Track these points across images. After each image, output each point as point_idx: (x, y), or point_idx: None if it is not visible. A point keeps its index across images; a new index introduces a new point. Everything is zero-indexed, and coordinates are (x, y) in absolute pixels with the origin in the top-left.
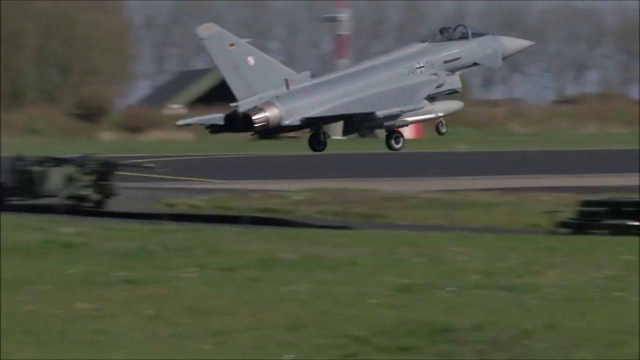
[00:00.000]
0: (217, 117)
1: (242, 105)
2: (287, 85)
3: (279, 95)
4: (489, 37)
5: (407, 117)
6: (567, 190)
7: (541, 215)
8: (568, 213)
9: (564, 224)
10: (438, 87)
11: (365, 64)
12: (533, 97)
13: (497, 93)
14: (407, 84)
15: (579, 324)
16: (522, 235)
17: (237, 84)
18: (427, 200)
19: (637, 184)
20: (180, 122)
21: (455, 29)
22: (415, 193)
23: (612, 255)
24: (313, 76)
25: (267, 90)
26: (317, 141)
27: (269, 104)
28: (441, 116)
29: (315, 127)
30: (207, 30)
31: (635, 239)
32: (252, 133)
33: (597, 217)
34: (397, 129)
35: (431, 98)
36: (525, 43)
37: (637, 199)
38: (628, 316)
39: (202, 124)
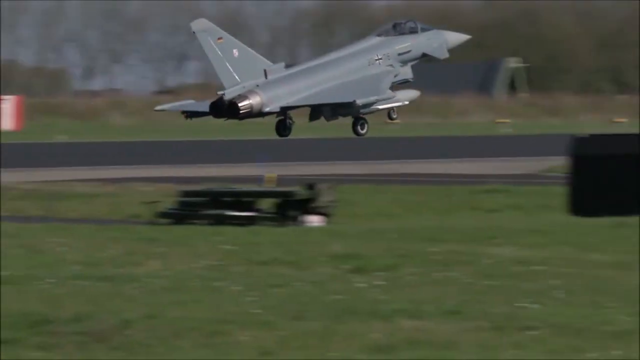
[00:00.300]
0: (197, 103)
1: (228, 93)
2: (266, 75)
3: (259, 85)
4: (434, 31)
5: (378, 105)
6: (168, 180)
7: (141, 206)
8: (168, 203)
9: (164, 214)
10: (395, 76)
11: (331, 56)
12: (134, 88)
13: (97, 84)
14: (368, 74)
15: (179, 314)
16: (123, 225)
17: (224, 74)
18: (26, 192)
19: (235, 174)
20: (158, 108)
21: (405, 23)
22: (13, 184)
23: (212, 245)
24: (287, 67)
25: (249, 80)
26: (284, 127)
27: (252, 92)
28: (406, 104)
29: (282, 114)
30: (199, 24)
31: (234, 229)
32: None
33: (197, 208)
34: (362, 115)
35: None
36: (463, 37)
37: (235, 189)
38: (227, 305)
39: (180, 110)
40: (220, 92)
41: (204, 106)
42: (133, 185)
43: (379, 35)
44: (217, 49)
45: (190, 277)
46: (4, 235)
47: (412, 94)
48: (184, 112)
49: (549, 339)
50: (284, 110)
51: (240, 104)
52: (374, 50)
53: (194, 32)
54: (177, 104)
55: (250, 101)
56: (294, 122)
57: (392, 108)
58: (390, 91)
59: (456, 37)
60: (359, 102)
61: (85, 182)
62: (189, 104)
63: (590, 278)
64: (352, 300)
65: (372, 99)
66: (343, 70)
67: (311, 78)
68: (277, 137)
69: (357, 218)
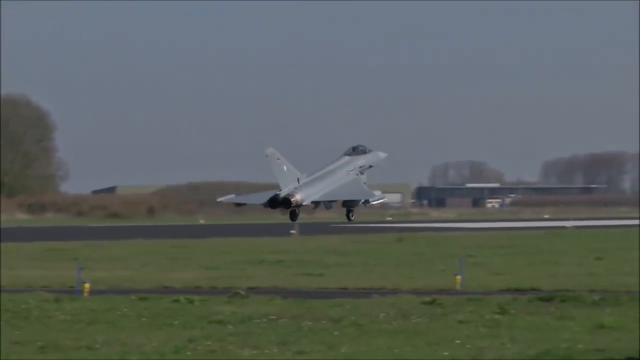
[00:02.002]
0: (256, 197)
1: (282, 192)
2: (299, 181)
3: (296, 187)
4: (374, 152)
5: (372, 201)
6: None
7: None
8: None
9: None
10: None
11: (326, 169)
12: None
13: None
14: (349, 180)
15: None
16: None
17: (281, 180)
18: None
19: None
20: (221, 199)
21: (359, 147)
22: None
23: None
24: (307, 175)
25: (290, 184)
26: (294, 215)
27: (295, 191)
28: (384, 201)
29: (293, 206)
30: (269, 151)
31: None
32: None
33: None
34: (353, 208)
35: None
36: (383, 155)
37: None
38: None
39: (238, 202)
40: (276, 192)
41: (263, 199)
42: None
43: (346, 155)
44: (277, 165)
45: None
46: None
47: (381, 195)
48: (237, 203)
49: None
50: (314, 203)
51: (291, 199)
52: (347, 165)
53: (266, 155)
54: (235, 196)
55: (297, 197)
56: (329, 207)
57: (376, 202)
58: (379, 192)
59: (382, 155)
60: (371, 200)
61: None
62: (249, 196)
63: None
64: None
65: (376, 198)
66: (334, 178)
67: (321, 183)
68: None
69: None
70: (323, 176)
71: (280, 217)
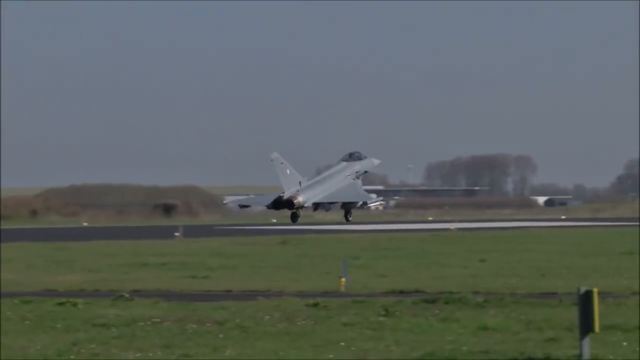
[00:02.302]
0: (260, 198)
1: (286, 194)
2: (300, 184)
3: (299, 190)
4: (368, 159)
5: (370, 203)
6: None
7: None
8: None
9: None
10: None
11: (326, 173)
12: None
13: None
14: (346, 184)
15: None
16: None
17: (284, 183)
18: None
19: None
20: (226, 201)
21: (355, 154)
22: None
23: None
24: (308, 179)
25: (293, 187)
26: (295, 217)
27: (298, 193)
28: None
29: (296, 208)
30: (273, 155)
31: None
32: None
33: None
34: (351, 209)
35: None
36: (376, 161)
37: None
38: None
39: (241, 204)
40: (280, 194)
41: (267, 201)
42: None
43: (344, 160)
44: (280, 169)
45: None
46: None
47: (377, 198)
48: (241, 205)
49: None
50: (315, 204)
51: (294, 201)
52: (345, 170)
53: (271, 160)
54: (241, 198)
55: (299, 199)
56: (328, 210)
57: (373, 205)
58: (374, 195)
59: (375, 162)
60: (370, 203)
61: None
62: (253, 198)
63: None
64: None
65: (374, 200)
66: (333, 182)
67: (321, 186)
68: (291, 223)
69: None
70: (323, 180)
71: (163, 220)
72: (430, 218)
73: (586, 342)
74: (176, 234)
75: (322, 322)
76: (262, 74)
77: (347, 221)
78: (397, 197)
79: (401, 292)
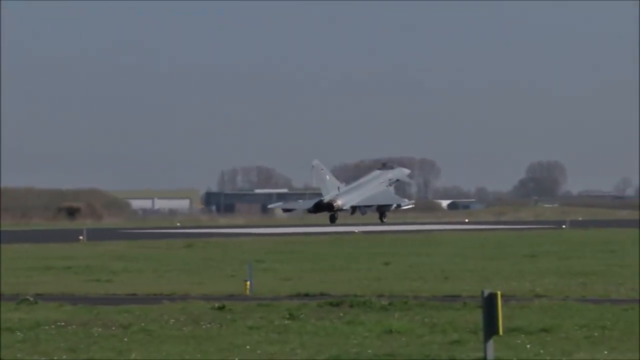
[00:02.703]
0: (303, 203)
1: (326, 198)
2: (339, 189)
3: (338, 194)
4: (399, 168)
5: (403, 206)
6: None
7: None
8: None
9: None
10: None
11: (362, 180)
12: None
13: None
14: (380, 190)
15: None
16: None
17: (324, 188)
18: None
19: None
20: (271, 206)
21: (388, 164)
22: None
23: None
24: (346, 185)
25: (332, 191)
26: (333, 218)
27: (337, 197)
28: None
29: (335, 210)
30: (314, 162)
31: None
32: (330, 212)
33: None
34: (386, 212)
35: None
36: (406, 171)
37: None
38: None
39: (284, 208)
40: (321, 198)
41: (308, 205)
42: None
43: (378, 169)
44: (320, 175)
45: None
46: None
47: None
48: (284, 209)
49: None
50: (352, 207)
51: (334, 204)
52: (379, 177)
53: (312, 166)
54: (285, 204)
55: (338, 202)
56: (364, 213)
57: (406, 207)
58: (406, 199)
59: (406, 171)
60: (403, 205)
61: None
62: (295, 203)
63: None
64: None
65: (407, 203)
66: (369, 188)
67: (357, 192)
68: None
69: None
70: (359, 186)
71: (67, 223)
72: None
73: (490, 344)
74: (80, 237)
75: (227, 325)
76: (155, 76)
77: (382, 222)
78: (301, 201)
79: (306, 295)
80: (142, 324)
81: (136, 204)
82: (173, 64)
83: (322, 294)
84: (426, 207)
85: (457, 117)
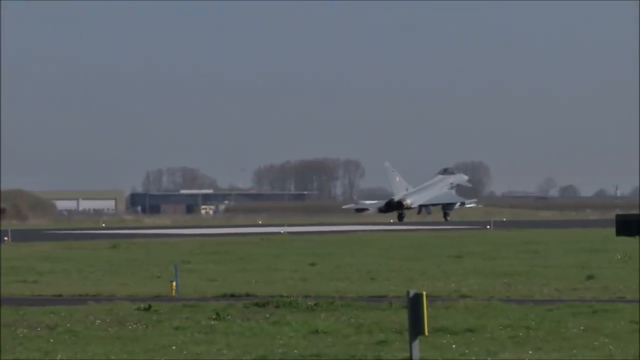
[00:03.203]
0: (374, 203)
1: (396, 197)
2: (407, 189)
3: (406, 193)
4: (459, 174)
5: (468, 204)
6: None
7: None
8: None
9: None
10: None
11: (428, 182)
12: None
13: None
14: (444, 192)
15: None
16: None
17: (395, 188)
18: None
19: None
20: (345, 207)
21: (449, 169)
22: None
23: None
24: (414, 186)
25: (401, 191)
26: (401, 217)
27: (406, 197)
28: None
29: (405, 208)
30: (387, 165)
31: None
32: (398, 211)
33: None
34: (449, 210)
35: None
36: (465, 177)
37: None
38: None
39: (359, 208)
40: (392, 197)
41: (380, 204)
42: None
43: (440, 174)
44: (392, 176)
45: None
46: None
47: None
48: (357, 208)
49: None
50: (420, 206)
51: (403, 202)
52: (442, 181)
53: (385, 167)
54: (357, 205)
55: (407, 201)
56: (429, 212)
57: (470, 206)
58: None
59: (465, 177)
60: (467, 203)
61: None
62: (367, 203)
63: None
64: None
65: (471, 202)
66: (434, 189)
67: (424, 192)
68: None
69: None
70: (425, 188)
71: None
72: (260, 222)
73: (416, 344)
74: (5, 238)
75: (153, 326)
76: (79, 76)
77: (446, 220)
78: (226, 201)
79: (232, 295)
80: (68, 325)
81: (61, 204)
82: (97, 63)
83: (248, 295)
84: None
85: (380, 117)
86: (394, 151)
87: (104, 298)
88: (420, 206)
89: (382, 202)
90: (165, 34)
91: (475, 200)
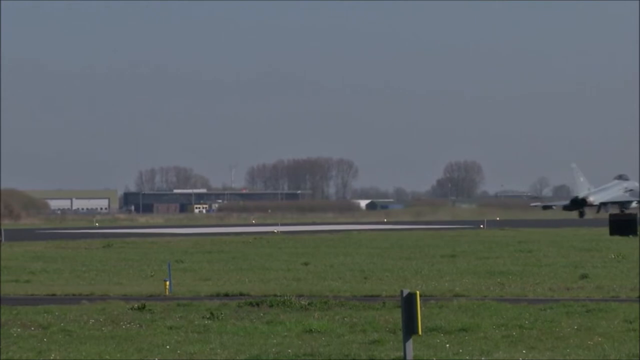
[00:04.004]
0: (560, 202)
1: (580, 195)
2: (589, 189)
3: (589, 192)
4: (632, 180)
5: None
6: None
7: None
8: None
9: None
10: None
11: (602, 186)
12: None
13: None
14: (620, 193)
15: None
16: None
17: (578, 187)
18: None
19: None
20: (533, 204)
21: (624, 176)
22: None
23: None
24: (595, 186)
25: (584, 190)
26: (582, 214)
27: (590, 195)
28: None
29: (588, 205)
30: (573, 165)
31: None
32: (580, 209)
33: None
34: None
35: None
36: (636, 184)
37: None
38: None
39: (546, 205)
40: (575, 195)
41: (565, 202)
42: None
43: (616, 179)
44: (577, 176)
45: None
46: None
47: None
48: (544, 206)
49: None
50: (600, 204)
51: (587, 200)
52: (618, 185)
53: (572, 167)
54: (541, 203)
55: (591, 199)
56: (607, 211)
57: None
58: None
59: (635, 184)
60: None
61: None
62: (556, 201)
63: None
64: None
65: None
66: (612, 190)
67: (604, 192)
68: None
69: None
70: (604, 189)
71: None
72: (253, 221)
73: (409, 344)
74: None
75: (147, 325)
76: (72, 75)
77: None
78: (220, 201)
79: (226, 295)
80: (62, 325)
81: (55, 204)
82: (89, 63)
83: (241, 294)
84: (345, 207)
85: (374, 117)
86: (387, 151)
87: (97, 297)
88: (601, 204)
89: (566, 201)
90: (158, 34)
91: None
